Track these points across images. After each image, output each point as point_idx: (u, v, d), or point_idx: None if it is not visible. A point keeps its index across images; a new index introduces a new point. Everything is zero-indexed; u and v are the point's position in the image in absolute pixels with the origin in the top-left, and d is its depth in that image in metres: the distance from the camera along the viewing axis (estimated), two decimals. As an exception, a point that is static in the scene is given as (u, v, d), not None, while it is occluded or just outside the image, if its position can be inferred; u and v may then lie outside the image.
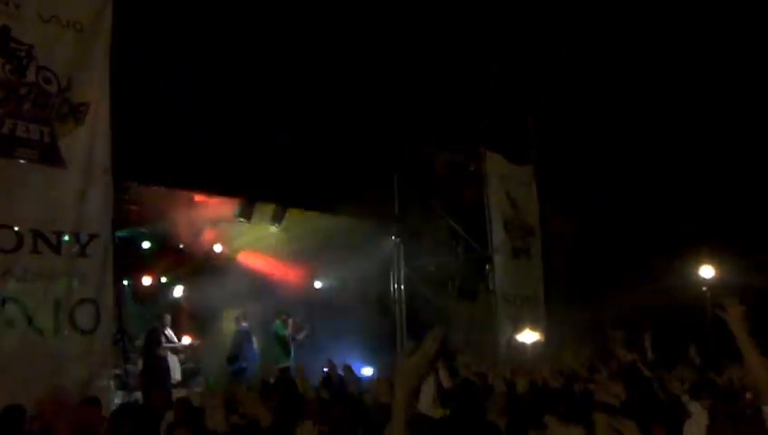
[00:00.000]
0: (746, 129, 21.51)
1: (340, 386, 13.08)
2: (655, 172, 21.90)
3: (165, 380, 15.71)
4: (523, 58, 19.47)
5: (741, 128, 21.49)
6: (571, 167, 20.46)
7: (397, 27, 17.48)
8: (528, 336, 19.24)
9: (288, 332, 17.63)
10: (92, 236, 11.52)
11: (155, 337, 16.34)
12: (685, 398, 8.07)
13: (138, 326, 17.21)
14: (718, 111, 21.43)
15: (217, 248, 18.91)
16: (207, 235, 18.20)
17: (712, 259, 23.80)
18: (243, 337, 17.41)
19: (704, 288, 24.15)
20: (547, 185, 21.22)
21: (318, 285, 20.77)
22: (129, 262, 16.52)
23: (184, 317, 18.89)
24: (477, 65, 19.06)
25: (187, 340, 17.73)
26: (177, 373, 16.66)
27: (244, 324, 17.57)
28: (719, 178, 21.87)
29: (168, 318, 17.04)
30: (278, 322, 17.74)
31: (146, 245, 18.16)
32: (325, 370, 15.87)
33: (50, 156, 11.23)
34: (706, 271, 24.02)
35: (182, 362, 17.19)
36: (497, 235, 19.97)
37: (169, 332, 16.68)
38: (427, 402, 9.64)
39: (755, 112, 21.37)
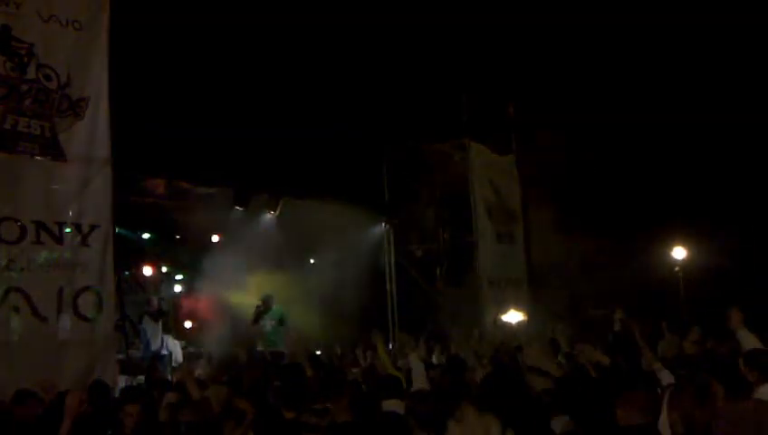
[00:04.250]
0: (719, 116, 21.48)
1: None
2: (630, 157, 21.87)
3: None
4: (503, 48, 19.47)
5: (713, 115, 21.44)
6: (550, 153, 20.42)
7: (384, 26, 17.45)
8: (512, 316, 19.21)
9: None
10: (93, 227, 11.36)
11: None
12: (656, 365, 7.85)
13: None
14: (693, 99, 21.41)
15: (215, 238, 18.63)
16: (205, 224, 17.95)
17: (684, 241, 23.83)
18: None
19: (676, 268, 24.18)
20: (528, 171, 21.19)
21: (312, 270, 20.54)
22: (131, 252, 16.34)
23: (185, 304, 18.70)
24: (458, 56, 19.09)
25: (187, 324, 17.58)
26: (178, 357, 16.49)
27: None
28: (691, 163, 21.88)
29: (155, 301, 16.90)
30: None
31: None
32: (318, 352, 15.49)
33: (51, 150, 11.06)
34: (679, 252, 24.05)
35: (184, 346, 17.03)
36: (481, 221, 19.95)
37: (146, 319, 16.44)
38: (420, 383, 9.51)
39: (729, 101, 21.39)
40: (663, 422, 5.18)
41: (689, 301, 23.43)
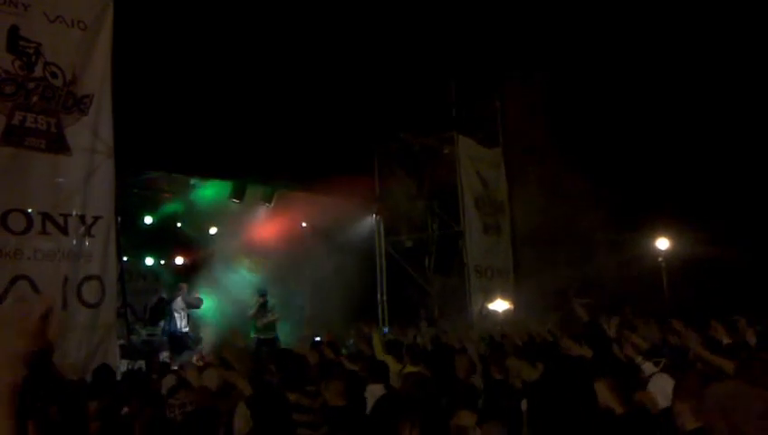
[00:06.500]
0: (704, 107, 21.70)
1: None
2: (615, 150, 22.02)
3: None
4: (491, 43, 19.64)
5: (698, 106, 21.66)
6: (536, 146, 20.62)
7: (374, 24, 17.66)
8: (499, 305, 19.48)
9: (254, 309, 17.48)
10: (97, 218, 11.71)
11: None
12: (638, 359, 8.13)
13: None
14: (675, 93, 21.60)
15: (212, 230, 18.93)
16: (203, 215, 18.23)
17: (667, 232, 24.06)
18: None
19: (659, 259, 24.43)
20: (515, 164, 21.42)
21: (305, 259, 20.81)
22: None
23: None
24: (447, 52, 19.25)
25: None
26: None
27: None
28: (675, 156, 22.07)
29: (185, 287, 17.50)
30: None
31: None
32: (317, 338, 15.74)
33: (56, 144, 11.40)
34: (662, 243, 24.29)
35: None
36: (469, 212, 20.14)
37: (178, 301, 17.12)
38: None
39: (715, 93, 21.57)
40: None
41: (672, 291, 23.68)
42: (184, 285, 17.56)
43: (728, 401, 3.36)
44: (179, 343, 16.72)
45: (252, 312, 17.11)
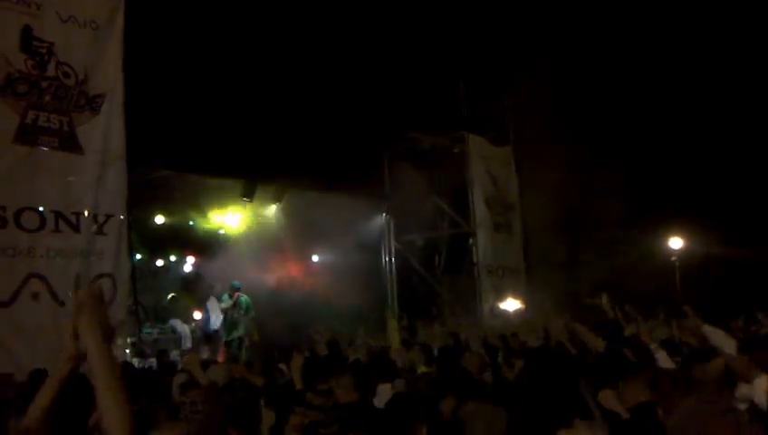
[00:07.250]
0: (717, 107, 21.66)
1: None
2: (627, 149, 21.99)
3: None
4: (500, 42, 19.65)
5: (711, 107, 21.63)
6: (547, 144, 20.59)
7: (383, 24, 17.72)
8: (510, 304, 19.47)
9: (229, 305, 17.58)
10: (109, 216, 11.89)
11: None
12: (653, 346, 8.11)
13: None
14: (690, 90, 21.55)
15: (222, 231, 18.97)
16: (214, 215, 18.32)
17: (680, 232, 24.01)
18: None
19: (673, 258, 24.37)
20: (526, 162, 21.42)
21: (315, 259, 20.86)
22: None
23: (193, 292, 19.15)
24: (458, 51, 19.27)
25: (197, 315, 18.04)
26: (188, 341, 16.91)
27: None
28: (689, 157, 22.02)
29: (217, 286, 17.87)
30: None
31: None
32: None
33: (69, 143, 11.57)
34: (675, 242, 24.23)
35: (192, 332, 17.43)
36: (479, 211, 20.24)
37: (212, 300, 17.62)
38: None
39: (728, 93, 21.51)
40: None
41: (685, 290, 23.59)
42: (215, 284, 17.78)
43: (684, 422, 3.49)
44: (210, 341, 17.08)
45: (226, 306, 17.34)
